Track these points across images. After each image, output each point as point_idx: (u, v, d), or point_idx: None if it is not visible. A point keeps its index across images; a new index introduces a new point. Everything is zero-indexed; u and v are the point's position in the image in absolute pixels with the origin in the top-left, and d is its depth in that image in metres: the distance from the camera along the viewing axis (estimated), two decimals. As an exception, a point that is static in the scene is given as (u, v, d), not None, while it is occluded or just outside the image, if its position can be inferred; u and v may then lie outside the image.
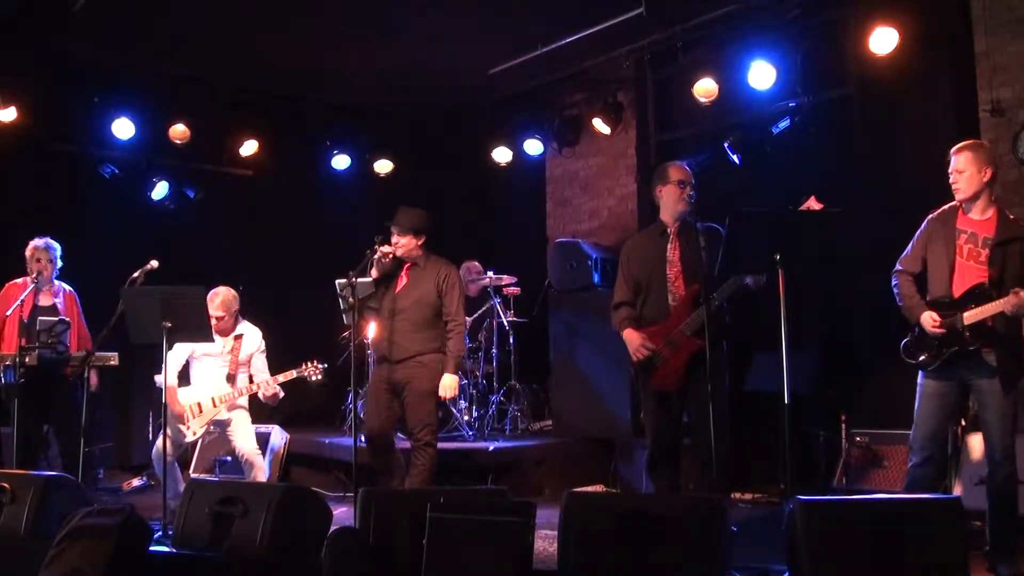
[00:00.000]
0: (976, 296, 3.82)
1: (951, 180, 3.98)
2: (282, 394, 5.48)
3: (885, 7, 5.53)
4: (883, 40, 5.51)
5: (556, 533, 3.33)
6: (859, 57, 5.76)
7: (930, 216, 4.10)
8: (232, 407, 5.45)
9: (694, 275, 4.42)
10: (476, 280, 7.35)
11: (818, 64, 6.14)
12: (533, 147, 7.93)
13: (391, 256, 5.12)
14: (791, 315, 3.84)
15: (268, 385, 5.39)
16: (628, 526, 3.20)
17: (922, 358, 3.97)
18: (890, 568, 3.03)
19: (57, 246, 5.69)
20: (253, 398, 5.67)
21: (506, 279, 7.15)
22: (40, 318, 5.42)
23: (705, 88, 6.48)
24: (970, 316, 3.79)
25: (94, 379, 5.59)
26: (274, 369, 5.59)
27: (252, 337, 5.59)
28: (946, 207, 4.07)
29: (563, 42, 6.87)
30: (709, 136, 6.74)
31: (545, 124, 7.96)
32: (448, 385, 5.06)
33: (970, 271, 3.88)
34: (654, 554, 3.16)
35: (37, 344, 5.27)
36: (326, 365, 5.46)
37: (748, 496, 5.82)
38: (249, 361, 5.57)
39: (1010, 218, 3.92)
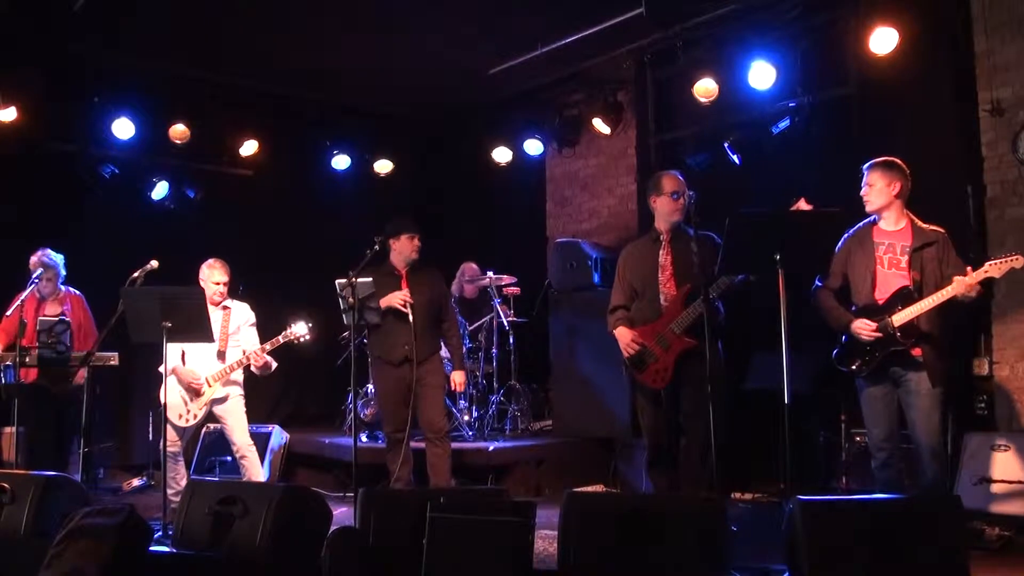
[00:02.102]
0: (902, 298, 4.10)
1: (862, 193, 4.26)
2: (274, 364, 5.46)
3: (885, 7, 5.53)
4: (883, 40, 5.51)
5: (556, 533, 3.33)
6: (859, 57, 5.75)
7: (846, 235, 4.34)
8: (227, 383, 5.41)
9: (686, 276, 4.52)
10: (474, 281, 7.35)
11: (818, 64, 6.14)
12: (533, 147, 7.93)
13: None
14: (791, 315, 3.85)
15: (258, 356, 5.36)
16: (628, 526, 3.20)
17: (855, 365, 4.23)
18: (890, 568, 3.03)
19: (59, 260, 5.70)
20: (251, 394, 5.65)
21: (506, 279, 7.14)
22: (40, 318, 5.43)
23: (705, 88, 6.48)
24: (899, 317, 4.07)
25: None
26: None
27: (240, 310, 5.58)
28: (861, 225, 4.34)
29: (563, 42, 6.86)
30: (709, 136, 6.73)
31: (545, 124, 7.95)
32: (460, 380, 5.60)
33: (891, 278, 4.18)
34: (654, 554, 3.16)
35: (37, 344, 5.29)
36: (311, 324, 5.43)
37: (748, 496, 5.82)
38: (238, 333, 5.54)
39: (922, 226, 4.20)
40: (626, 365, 4.68)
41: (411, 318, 5.25)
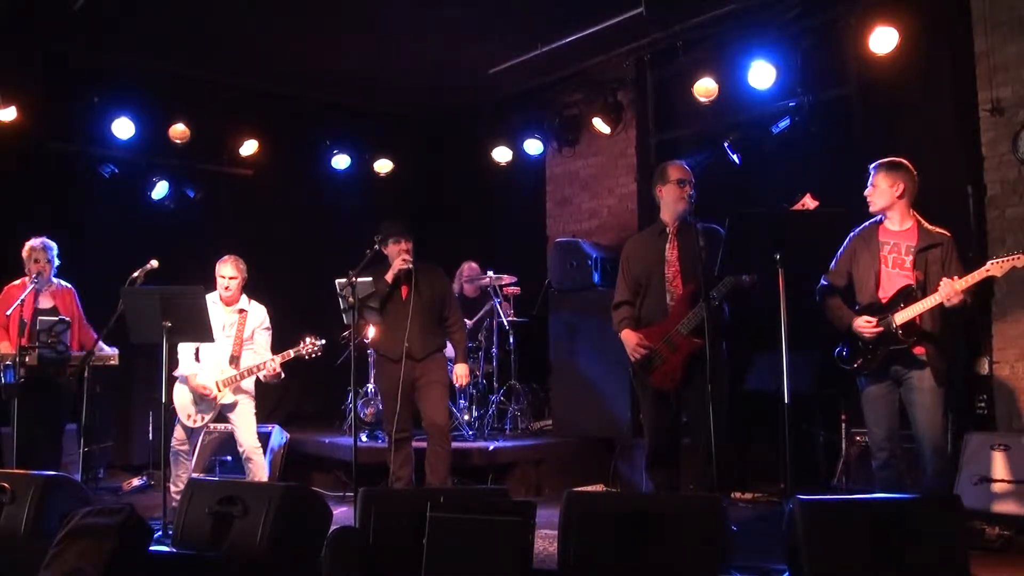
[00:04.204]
0: (905, 297, 4.11)
1: (866, 193, 4.27)
2: (283, 375, 5.47)
3: (885, 7, 5.53)
4: (883, 40, 5.51)
5: (556, 533, 3.33)
6: (859, 57, 5.76)
7: (852, 233, 4.35)
8: (237, 390, 5.42)
9: (692, 274, 4.44)
10: (475, 280, 7.35)
11: (818, 64, 6.14)
12: (533, 147, 7.94)
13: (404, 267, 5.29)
14: (791, 315, 3.85)
15: (273, 368, 5.36)
16: (628, 526, 3.20)
17: (857, 364, 4.23)
18: (890, 568, 3.03)
19: (53, 245, 5.68)
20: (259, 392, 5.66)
21: (506, 279, 7.14)
22: (40, 318, 5.42)
23: (705, 88, 6.48)
24: (901, 315, 4.09)
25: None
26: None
27: (256, 312, 5.58)
28: (867, 224, 4.34)
29: (563, 42, 6.87)
30: (709, 136, 6.73)
31: (545, 124, 7.96)
32: (462, 373, 5.56)
33: (895, 278, 4.19)
34: (654, 553, 3.16)
35: (37, 344, 5.28)
36: (324, 341, 5.45)
37: (748, 496, 5.81)
38: (252, 337, 5.54)
39: (927, 227, 4.20)
40: (632, 367, 4.63)
41: (409, 309, 5.21)
